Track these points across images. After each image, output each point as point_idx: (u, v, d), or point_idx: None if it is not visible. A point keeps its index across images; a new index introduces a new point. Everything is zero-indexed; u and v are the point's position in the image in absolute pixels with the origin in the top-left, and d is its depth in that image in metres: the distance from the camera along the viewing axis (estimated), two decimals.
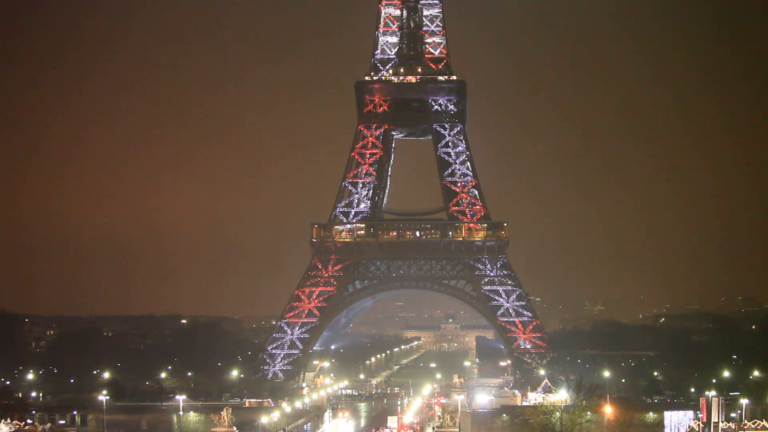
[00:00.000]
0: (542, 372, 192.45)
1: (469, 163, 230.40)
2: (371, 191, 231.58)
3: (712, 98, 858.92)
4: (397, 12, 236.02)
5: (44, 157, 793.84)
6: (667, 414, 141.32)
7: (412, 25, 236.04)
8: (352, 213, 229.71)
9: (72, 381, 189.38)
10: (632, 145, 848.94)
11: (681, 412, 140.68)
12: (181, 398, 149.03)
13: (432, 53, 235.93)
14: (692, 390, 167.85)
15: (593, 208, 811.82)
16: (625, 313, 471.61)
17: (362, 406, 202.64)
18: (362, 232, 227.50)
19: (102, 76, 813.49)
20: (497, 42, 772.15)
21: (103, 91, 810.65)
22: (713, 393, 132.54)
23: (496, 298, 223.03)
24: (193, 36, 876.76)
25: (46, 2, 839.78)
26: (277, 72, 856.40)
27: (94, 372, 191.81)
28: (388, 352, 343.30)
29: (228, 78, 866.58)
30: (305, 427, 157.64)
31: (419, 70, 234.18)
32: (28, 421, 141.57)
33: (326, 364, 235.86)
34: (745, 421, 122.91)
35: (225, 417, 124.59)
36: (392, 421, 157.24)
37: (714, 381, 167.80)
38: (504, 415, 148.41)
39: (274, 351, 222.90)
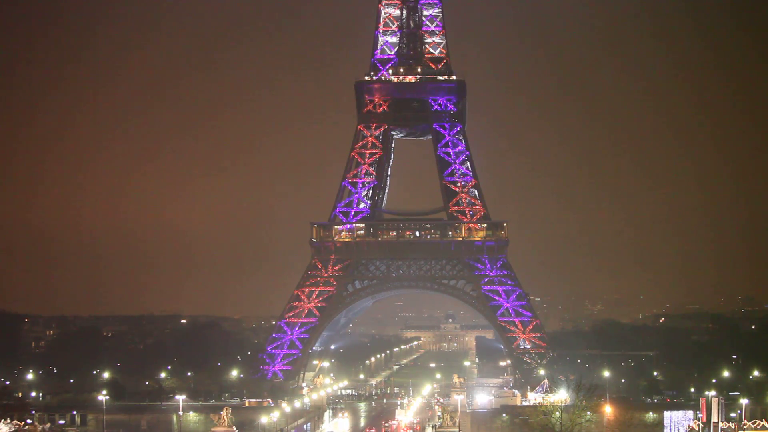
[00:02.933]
0: (542, 372, 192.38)
1: (468, 163, 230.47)
2: (371, 191, 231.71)
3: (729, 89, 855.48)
4: (397, 12, 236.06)
5: (26, 159, 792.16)
6: (667, 414, 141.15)
7: (412, 25, 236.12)
8: (352, 213, 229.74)
9: (72, 381, 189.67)
10: (634, 146, 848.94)
11: (681, 412, 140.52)
12: (180, 398, 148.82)
13: (432, 53, 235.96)
14: (692, 390, 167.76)
15: (593, 208, 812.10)
16: (625, 313, 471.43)
17: (362, 406, 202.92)
18: (362, 232, 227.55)
19: (119, 78, 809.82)
20: (497, 42, 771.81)
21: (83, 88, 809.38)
22: (713, 393, 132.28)
23: (496, 297, 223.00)
24: (214, 41, 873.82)
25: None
26: (277, 70, 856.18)
27: (94, 372, 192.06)
28: (388, 352, 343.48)
29: (225, 76, 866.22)
30: (305, 427, 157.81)
31: (419, 70, 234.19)
32: (28, 421, 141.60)
33: (326, 364, 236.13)
34: (745, 421, 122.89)
35: (225, 417, 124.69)
36: (400, 414, 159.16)
37: (714, 381, 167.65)
38: (504, 415, 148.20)
39: (274, 351, 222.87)
